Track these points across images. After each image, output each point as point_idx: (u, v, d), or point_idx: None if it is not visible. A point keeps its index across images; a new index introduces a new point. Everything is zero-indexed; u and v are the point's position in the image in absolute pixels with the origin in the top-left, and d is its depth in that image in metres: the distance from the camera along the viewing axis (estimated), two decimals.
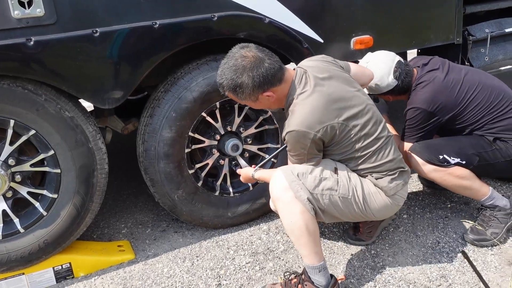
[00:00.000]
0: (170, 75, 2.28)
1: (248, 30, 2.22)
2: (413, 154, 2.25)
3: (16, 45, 1.82)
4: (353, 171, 1.96)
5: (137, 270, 2.32)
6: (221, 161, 2.52)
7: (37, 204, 2.16)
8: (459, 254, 2.21)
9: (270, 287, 2.04)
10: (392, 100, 2.50)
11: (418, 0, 2.67)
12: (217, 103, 2.32)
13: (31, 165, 2.10)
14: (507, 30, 3.10)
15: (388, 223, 2.43)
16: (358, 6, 2.48)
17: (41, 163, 2.12)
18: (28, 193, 2.14)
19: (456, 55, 2.93)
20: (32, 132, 2.02)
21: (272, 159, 2.56)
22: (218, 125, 2.41)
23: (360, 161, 1.93)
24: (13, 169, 2.06)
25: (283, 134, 1.87)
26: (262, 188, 2.50)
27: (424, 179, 2.83)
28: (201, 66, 2.26)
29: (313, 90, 1.83)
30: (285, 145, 1.97)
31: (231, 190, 2.56)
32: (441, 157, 2.18)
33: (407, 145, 2.33)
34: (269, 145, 2.55)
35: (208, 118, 2.35)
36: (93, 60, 1.97)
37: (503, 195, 2.32)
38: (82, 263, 2.30)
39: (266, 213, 2.64)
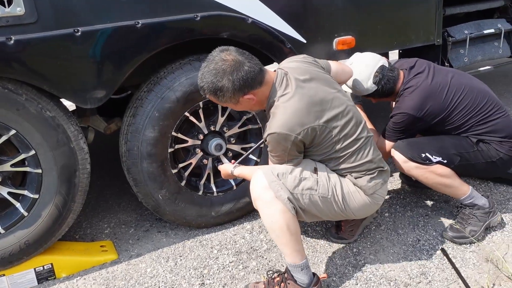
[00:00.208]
0: (153, 74, 2.28)
1: (231, 30, 2.23)
2: (396, 151, 2.27)
3: None
4: (333, 170, 1.98)
5: (120, 270, 2.31)
6: (205, 161, 2.52)
7: (17, 205, 2.13)
8: (439, 252, 2.25)
9: (253, 286, 2.05)
10: (375, 102, 2.53)
11: (399, 2, 2.71)
12: (201, 103, 2.33)
13: (12, 165, 2.07)
14: (485, 32, 3.16)
15: (370, 221, 2.46)
16: (340, 7, 2.50)
17: (22, 163, 2.09)
18: (9, 193, 2.11)
19: (436, 56, 2.98)
20: (13, 132, 1.99)
21: (256, 159, 2.58)
22: (202, 125, 2.41)
23: (340, 161, 1.95)
24: None
25: (265, 135, 1.88)
26: (245, 187, 2.51)
27: (405, 178, 2.88)
28: (184, 66, 2.26)
29: (294, 92, 1.84)
30: (261, 141, 1.98)
31: (214, 189, 2.57)
32: (423, 155, 2.21)
33: (386, 142, 2.36)
34: (253, 144, 2.56)
35: (192, 118, 2.35)
36: (75, 60, 1.96)
37: (482, 195, 2.37)
38: (64, 263, 2.28)
39: (249, 212, 2.65)
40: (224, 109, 2.43)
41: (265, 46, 2.33)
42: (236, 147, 2.56)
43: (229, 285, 2.15)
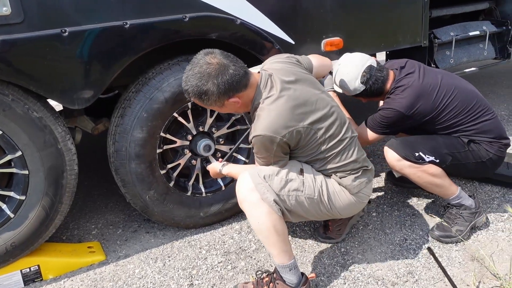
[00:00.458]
0: (142, 75, 2.27)
1: (219, 31, 2.23)
2: (389, 150, 2.29)
3: None
4: (319, 171, 1.99)
5: (108, 271, 2.30)
6: (193, 161, 2.52)
7: (4, 206, 2.11)
8: (425, 251, 2.28)
9: (242, 286, 2.05)
10: (365, 102, 2.55)
11: (387, 4, 2.74)
12: (189, 104, 2.32)
13: None
14: (471, 34, 3.21)
15: (357, 220, 2.48)
16: (328, 9, 2.52)
17: (8, 164, 2.07)
18: None
19: (423, 57, 3.01)
20: None
21: (244, 159, 2.58)
22: (190, 126, 2.41)
23: (325, 162, 1.97)
24: None
25: (250, 137, 1.88)
26: (234, 188, 2.50)
27: (393, 178, 2.91)
28: (172, 66, 2.26)
29: (279, 94, 1.84)
30: (241, 138, 1.97)
31: (203, 190, 2.57)
32: (416, 154, 2.23)
33: (368, 132, 2.37)
34: (241, 145, 2.57)
35: (180, 119, 2.35)
36: (62, 60, 1.94)
37: (469, 195, 2.40)
38: (51, 265, 2.26)
39: (238, 213, 2.66)
40: (212, 110, 2.42)
41: (254, 47, 2.34)
42: (225, 148, 2.56)
43: (218, 285, 2.15)
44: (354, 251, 2.32)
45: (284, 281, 1.96)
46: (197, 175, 2.56)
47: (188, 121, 2.39)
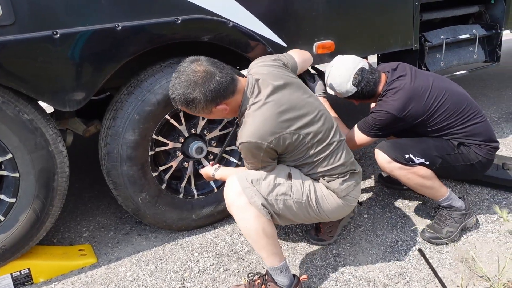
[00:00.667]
0: (134, 77, 2.26)
1: (212, 33, 2.23)
2: (380, 152, 2.30)
3: None
4: (307, 175, 2.00)
5: (99, 274, 2.29)
6: (185, 164, 2.52)
7: None
8: (416, 252, 2.29)
9: None
10: (358, 104, 2.56)
11: (378, 7, 2.76)
12: None
13: None
14: (461, 37, 3.23)
15: (347, 221, 2.49)
16: (320, 12, 2.53)
17: None
18: None
19: (413, 60, 3.04)
20: None
21: (237, 162, 2.59)
22: (182, 128, 2.41)
23: (313, 166, 1.97)
24: None
25: (237, 143, 1.87)
26: None
27: (384, 180, 2.93)
28: (164, 68, 2.25)
29: (265, 100, 1.83)
30: (228, 139, 1.98)
31: (195, 192, 2.57)
32: (406, 156, 2.25)
33: (360, 135, 2.37)
34: (234, 147, 2.57)
35: (172, 121, 2.35)
36: (54, 62, 1.93)
37: (459, 197, 2.43)
38: (42, 268, 2.25)
39: (230, 215, 2.65)
40: None
41: (246, 50, 2.34)
42: (217, 150, 2.56)
43: (210, 287, 2.15)
44: (345, 253, 2.33)
45: (276, 283, 1.97)
46: (189, 177, 2.56)
47: (180, 123, 2.39)
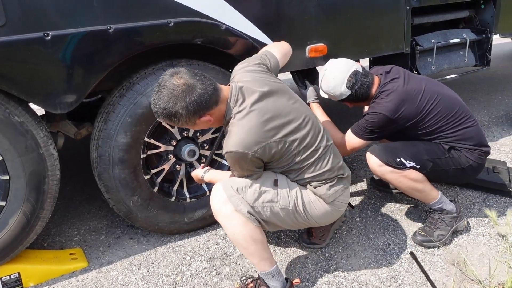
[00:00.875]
0: (126, 80, 2.25)
1: (204, 36, 2.23)
2: (371, 155, 2.31)
3: None
4: (293, 181, 1.98)
5: (91, 278, 2.27)
6: (178, 167, 2.51)
7: None
8: (408, 255, 2.30)
9: None
10: (351, 107, 2.57)
11: (370, 11, 2.78)
12: None
13: None
14: (451, 41, 3.27)
15: (339, 225, 2.50)
16: (312, 15, 2.54)
17: None
18: None
19: (405, 64, 3.06)
20: None
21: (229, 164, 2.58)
22: (174, 131, 2.40)
23: (300, 172, 1.95)
24: None
25: (223, 152, 1.84)
26: None
27: (376, 183, 2.94)
28: (157, 71, 2.24)
29: (250, 109, 1.80)
30: (217, 141, 1.99)
31: (187, 195, 2.56)
32: (398, 159, 2.26)
33: (354, 138, 2.38)
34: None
35: (164, 124, 2.34)
36: (45, 64, 1.92)
37: (450, 200, 2.44)
38: (32, 272, 2.22)
39: None
40: None
41: (238, 53, 2.34)
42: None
43: None
44: (338, 256, 2.33)
45: (268, 287, 1.96)
46: (182, 180, 2.55)
47: (172, 126, 2.38)
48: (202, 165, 2.29)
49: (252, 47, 2.35)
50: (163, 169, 2.48)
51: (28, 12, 1.85)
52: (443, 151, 2.30)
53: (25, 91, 1.93)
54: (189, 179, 2.53)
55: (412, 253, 2.30)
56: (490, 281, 2.06)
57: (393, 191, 2.87)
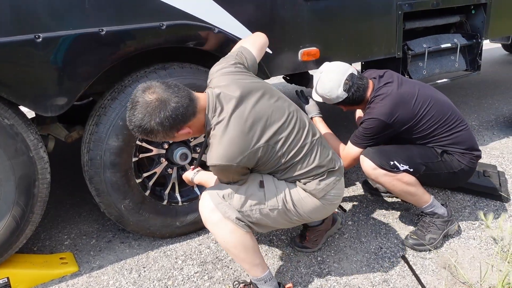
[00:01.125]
0: (118, 82, 2.24)
1: (197, 39, 2.23)
2: (365, 158, 2.31)
3: None
4: (281, 180, 1.94)
5: (81, 283, 2.25)
6: (170, 170, 2.50)
7: None
8: (400, 259, 2.31)
9: None
10: (346, 110, 2.57)
11: (362, 16, 2.79)
12: None
13: None
14: (443, 46, 3.30)
15: (334, 232, 2.50)
16: (305, 19, 2.55)
17: None
18: None
19: (397, 68, 3.08)
20: None
21: None
22: None
23: (286, 171, 1.90)
24: None
25: (207, 164, 1.81)
26: None
27: (368, 187, 2.95)
28: (149, 74, 2.23)
29: (229, 118, 1.73)
30: (203, 145, 1.96)
31: (179, 199, 2.54)
32: (391, 162, 2.27)
33: (354, 149, 2.39)
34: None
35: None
36: (36, 66, 1.90)
37: (442, 204, 2.45)
38: (22, 277, 2.19)
39: None
40: None
41: None
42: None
43: None
44: (330, 260, 2.33)
45: None
46: (173, 184, 2.54)
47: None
48: (192, 167, 2.28)
49: None
50: (155, 173, 2.46)
51: (19, 14, 1.83)
52: (435, 155, 2.32)
53: (15, 94, 1.91)
54: (181, 182, 2.52)
55: (403, 257, 2.31)
56: (481, 285, 2.07)
57: (383, 194, 2.89)
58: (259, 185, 1.89)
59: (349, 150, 2.41)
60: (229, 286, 2.16)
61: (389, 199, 2.87)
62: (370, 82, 2.39)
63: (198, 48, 2.26)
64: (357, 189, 3.04)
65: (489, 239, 2.41)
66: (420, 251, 2.35)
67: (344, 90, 2.32)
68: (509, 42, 6.74)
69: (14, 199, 2.06)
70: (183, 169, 2.53)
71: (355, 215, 2.73)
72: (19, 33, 1.84)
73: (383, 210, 2.78)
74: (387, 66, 2.90)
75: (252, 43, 2.12)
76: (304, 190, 1.94)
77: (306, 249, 2.38)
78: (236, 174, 1.81)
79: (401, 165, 2.26)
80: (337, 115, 4.31)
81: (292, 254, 2.39)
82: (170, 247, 2.50)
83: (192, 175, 2.19)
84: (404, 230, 2.55)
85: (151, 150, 2.39)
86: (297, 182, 1.94)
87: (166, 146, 2.42)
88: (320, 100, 2.46)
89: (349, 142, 2.43)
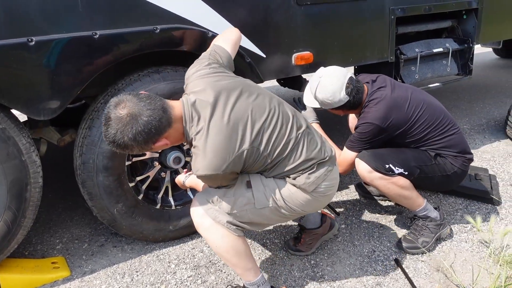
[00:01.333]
0: (111, 86, 2.23)
1: (191, 43, 2.23)
2: (361, 161, 2.32)
3: None
4: (269, 177, 1.89)
5: (73, 287, 2.23)
6: (163, 174, 2.49)
7: None
8: (393, 262, 2.32)
9: None
10: (343, 115, 2.58)
11: (355, 20, 2.81)
12: None
13: None
14: (435, 50, 3.33)
15: (330, 237, 2.50)
16: (298, 24, 2.56)
17: None
18: None
19: (389, 72, 3.10)
20: None
21: None
22: None
23: (274, 169, 1.86)
24: None
25: (193, 173, 1.78)
26: None
27: (361, 190, 2.96)
28: (142, 78, 2.23)
29: (208, 126, 1.68)
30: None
31: (172, 203, 2.54)
32: (387, 166, 2.28)
33: (350, 154, 2.40)
34: None
35: None
36: (28, 70, 1.89)
37: (435, 207, 2.47)
38: (13, 282, 2.17)
39: None
40: None
41: None
42: None
43: None
44: (323, 263, 2.33)
45: None
46: (167, 187, 2.53)
47: None
48: (185, 170, 2.27)
49: (238, 55, 2.36)
50: (148, 176, 2.46)
51: (11, 17, 1.82)
52: (429, 158, 2.33)
53: (7, 97, 1.90)
54: (175, 186, 2.51)
55: (396, 260, 2.32)
56: (473, 287, 2.08)
57: (376, 197, 2.90)
58: (246, 185, 1.87)
59: (345, 156, 2.42)
60: None
61: (383, 203, 2.89)
62: (364, 86, 2.40)
63: (192, 52, 2.26)
64: (351, 192, 3.05)
65: (481, 242, 2.43)
66: (413, 254, 2.36)
67: (347, 94, 2.31)
68: (500, 47, 6.82)
69: (5, 204, 2.04)
70: (176, 172, 2.53)
71: (348, 218, 2.73)
72: (12, 36, 1.83)
73: (376, 213, 2.78)
74: (380, 70, 2.92)
75: (225, 40, 2.09)
76: (293, 185, 1.89)
77: (299, 253, 2.38)
78: (224, 180, 1.80)
79: (396, 168, 2.27)
80: (330, 119, 4.32)
81: (285, 257, 2.39)
82: (163, 251, 2.49)
83: (184, 178, 2.19)
84: (397, 233, 2.56)
85: (144, 154, 2.38)
86: (286, 178, 1.89)
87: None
88: (317, 105, 2.43)
89: (344, 147, 2.44)
